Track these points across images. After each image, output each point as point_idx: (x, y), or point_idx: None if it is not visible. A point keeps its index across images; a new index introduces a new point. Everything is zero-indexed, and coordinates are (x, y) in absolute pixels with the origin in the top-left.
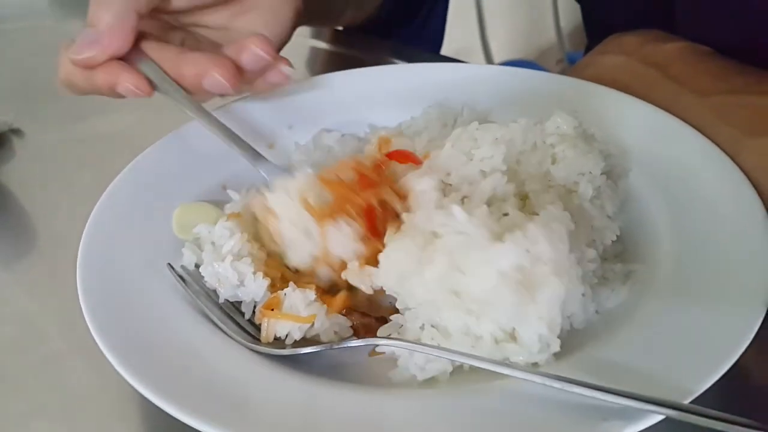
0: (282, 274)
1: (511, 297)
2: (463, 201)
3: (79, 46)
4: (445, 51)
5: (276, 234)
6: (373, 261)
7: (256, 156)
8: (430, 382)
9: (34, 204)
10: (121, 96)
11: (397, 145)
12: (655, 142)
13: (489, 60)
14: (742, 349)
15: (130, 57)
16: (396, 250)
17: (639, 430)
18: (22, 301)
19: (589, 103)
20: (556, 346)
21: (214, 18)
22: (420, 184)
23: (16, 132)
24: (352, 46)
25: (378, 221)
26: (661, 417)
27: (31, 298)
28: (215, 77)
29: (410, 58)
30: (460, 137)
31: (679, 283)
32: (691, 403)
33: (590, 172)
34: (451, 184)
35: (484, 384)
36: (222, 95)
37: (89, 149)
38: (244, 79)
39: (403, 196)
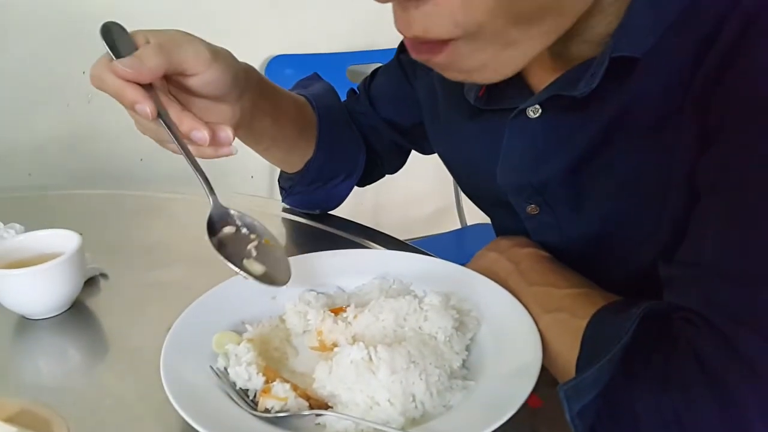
0: (274, 375)
1: (358, 374)
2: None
3: (126, 63)
4: (425, 212)
5: None
6: None
7: (211, 191)
8: None
9: (114, 326)
10: (132, 109)
11: (327, 334)
12: (500, 308)
13: (462, 220)
14: (517, 407)
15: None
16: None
17: None
18: (115, 387)
19: (468, 284)
20: (399, 407)
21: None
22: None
23: (104, 275)
24: (338, 228)
25: None
26: None
27: (120, 385)
28: (203, 132)
29: (376, 240)
30: (373, 306)
31: (492, 383)
32: None
33: (445, 326)
34: None
35: None
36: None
37: (155, 292)
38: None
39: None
